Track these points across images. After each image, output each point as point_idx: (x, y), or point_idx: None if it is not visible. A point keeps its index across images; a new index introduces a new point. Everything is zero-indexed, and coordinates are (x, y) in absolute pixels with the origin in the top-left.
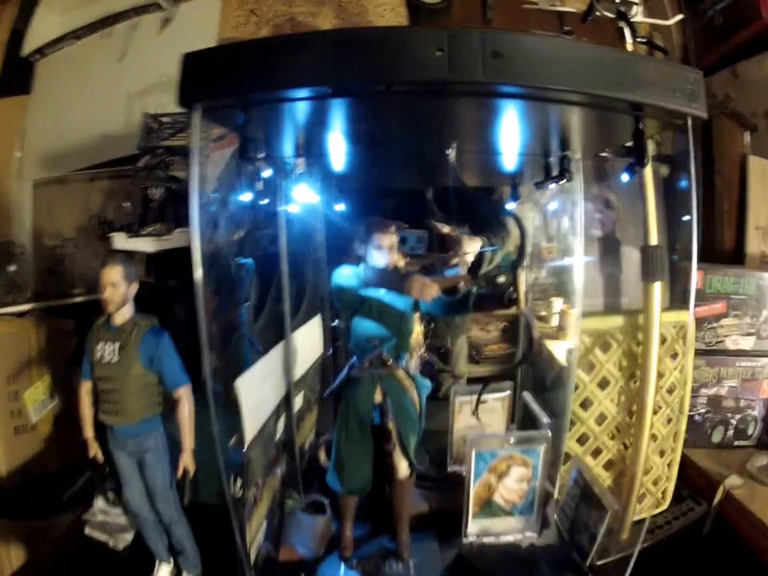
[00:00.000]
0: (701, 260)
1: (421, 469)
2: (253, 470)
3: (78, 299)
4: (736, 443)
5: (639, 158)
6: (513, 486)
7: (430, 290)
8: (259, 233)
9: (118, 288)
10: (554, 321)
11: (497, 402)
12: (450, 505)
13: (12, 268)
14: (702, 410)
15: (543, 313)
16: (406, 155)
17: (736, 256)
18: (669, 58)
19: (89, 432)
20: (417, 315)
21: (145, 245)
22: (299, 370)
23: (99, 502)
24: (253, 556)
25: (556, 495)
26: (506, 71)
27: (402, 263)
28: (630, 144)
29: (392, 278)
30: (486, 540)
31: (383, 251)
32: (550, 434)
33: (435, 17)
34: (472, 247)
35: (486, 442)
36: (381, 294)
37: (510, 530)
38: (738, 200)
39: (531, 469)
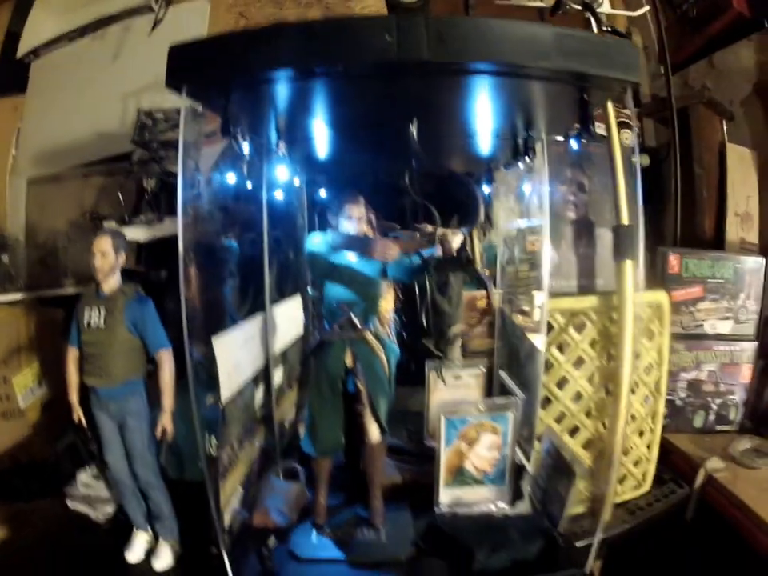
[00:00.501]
0: (682, 245)
1: (397, 442)
2: (229, 431)
3: (69, 290)
4: (718, 428)
5: (585, 127)
6: (483, 453)
7: (391, 251)
8: (243, 216)
9: (107, 257)
10: (537, 315)
11: (471, 378)
12: (424, 477)
13: (5, 258)
14: (683, 395)
15: (526, 307)
16: (374, 137)
17: (716, 242)
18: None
19: (73, 396)
20: (384, 281)
21: (136, 233)
22: (278, 345)
23: (82, 476)
24: (227, 521)
25: (530, 470)
26: (448, 50)
27: (370, 233)
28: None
29: (357, 241)
30: (459, 510)
31: (353, 221)
32: (519, 401)
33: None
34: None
35: (456, 408)
36: (351, 261)
37: (482, 500)
38: (717, 187)
39: (501, 436)
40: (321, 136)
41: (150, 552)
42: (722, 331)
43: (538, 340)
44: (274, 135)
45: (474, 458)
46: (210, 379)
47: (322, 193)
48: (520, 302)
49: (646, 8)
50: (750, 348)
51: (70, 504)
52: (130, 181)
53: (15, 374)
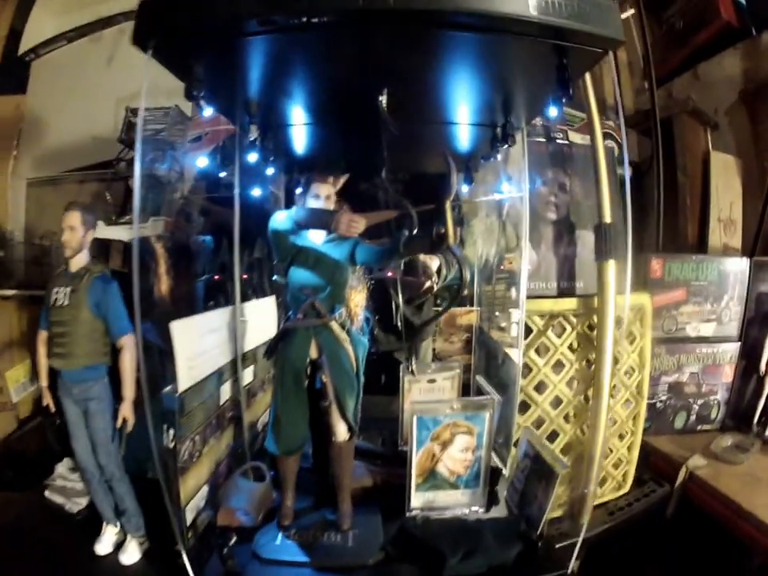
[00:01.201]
0: (664, 251)
1: (369, 445)
2: (188, 424)
3: None
4: (699, 428)
5: (565, 91)
6: (457, 455)
7: (356, 225)
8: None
9: (75, 232)
10: (514, 331)
11: (446, 380)
12: (396, 479)
13: (0, 254)
14: (664, 397)
15: (503, 324)
16: (344, 111)
17: (699, 248)
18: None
19: (43, 381)
20: (352, 266)
21: (120, 233)
22: (249, 343)
23: (60, 468)
24: (190, 518)
25: (507, 475)
26: None
27: None
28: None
29: (320, 215)
30: (432, 514)
31: (320, 200)
32: (496, 400)
33: None
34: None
35: (429, 407)
36: (316, 242)
37: (455, 504)
38: (700, 194)
39: (476, 437)
40: (288, 108)
41: (120, 545)
42: (705, 334)
43: (517, 356)
44: (240, 101)
45: (448, 459)
46: (172, 368)
47: (293, 173)
48: (498, 319)
49: (630, 11)
50: (732, 348)
51: (48, 495)
52: (119, 181)
53: (8, 369)
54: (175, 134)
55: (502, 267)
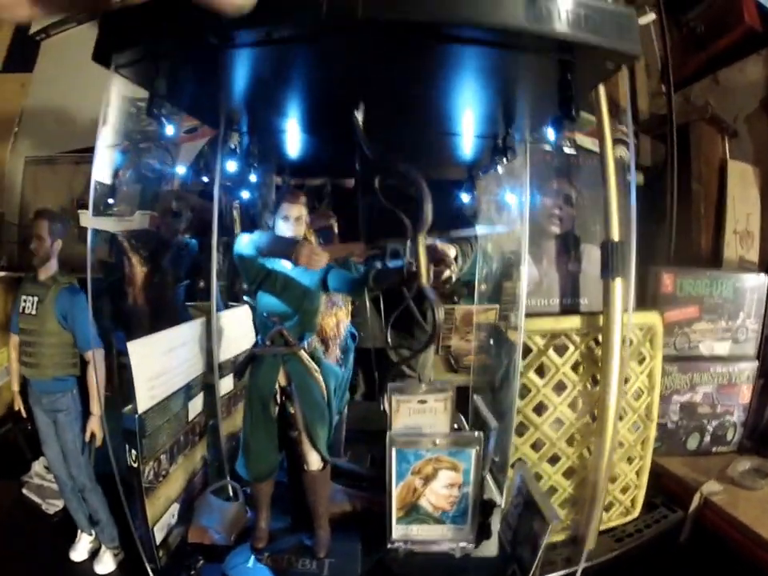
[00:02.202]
0: (676, 264)
1: (351, 466)
2: (151, 444)
3: None
4: (714, 449)
5: (567, 110)
6: (441, 491)
7: (318, 258)
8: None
9: (42, 242)
10: None
11: (439, 402)
12: (377, 508)
13: None
14: (675, 418)
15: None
16: (319, 125)
17: (713, 260)
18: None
19: (15, 385)
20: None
21: (107, 224)
22: (228, 351)
23: (37, 466)
24: (160, 536)
25: (502, 504)
26: (386, 7)
27: (311, 238)
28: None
29: (281, 245)
30: (415, 547)
31: (289, 222)
32: (484, 435)
33: None
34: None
35: (409, 440)
36: (285, 267)
37: (440, 539)
38: (715, 204)
39: (462, 474)
40: (266, 116)
41: (95, 554)
42: (720, 352)
43: (515, 363)
44: (214, 111)
45: (431, 495)
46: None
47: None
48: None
49: (651, 16)
50: (749, 368)
51: (25, 492)
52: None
53: None
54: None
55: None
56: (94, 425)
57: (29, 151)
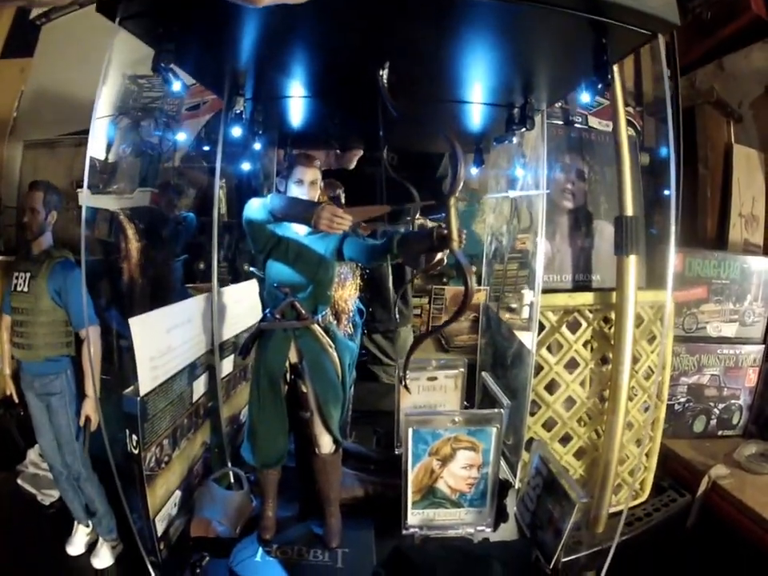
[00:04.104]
0: (683, 245)
1: (362, 449)
2: (154, 428)
3: None
4: (720, 433)
5: (602, 74)
6: (459, 472)
7: (341, 221)
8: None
9: (36, 215)
10: (525, 313)
11: (449, 379)
12: (391, 491)
13: None
14: (682, 399)
15: (514, 305)
16: (341, 88)
17: (718, 243)
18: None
19: (6, 368)
20: (340, 262)
21: (107, 202)
22: (230, 330)
23: (32, 454)
24: (161, 528)
25: (517, 485)
26: None
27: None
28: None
29: (299, 207)
30: (431, 533)
31: (303, 186)
32: (503, 413)
33: None
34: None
35: (427, 420)
36: (298, 233)
37: (458, 523)
38: (721, 188)
39: (481, 453)
40: (277, 79)
41: (92, 547)
42: (727, 334)
43: (528, 339)
44: (221, 72)
45: (449, 476)
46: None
47: (284, 148)
48: (508, 299)
49: None
50: (756, 351)
51: (20, 482)
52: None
53: None
54: (173, 102)
55: (514, 246)
56: (89, 407)
57: (27, 135)
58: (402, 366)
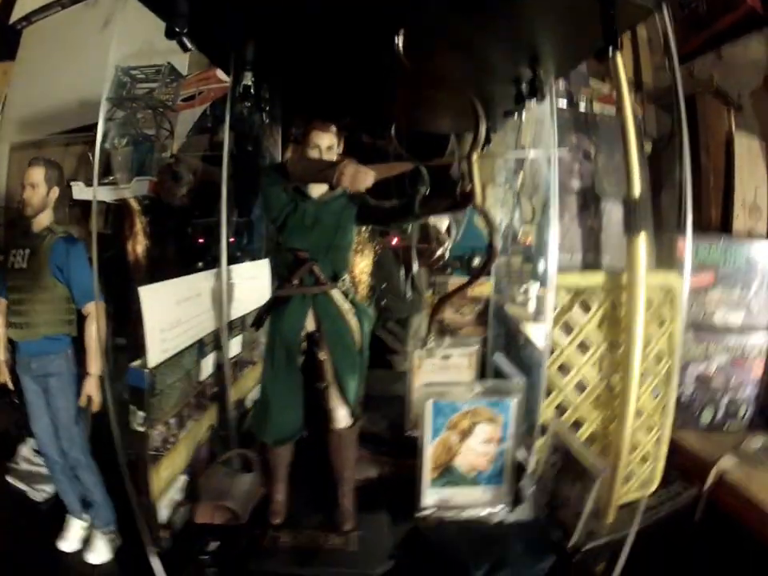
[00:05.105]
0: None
1: (374, 431)
2: (161, 404)
3: None
4: (726, 426)
5: (611, 37)
6: (478, 447)
7: (364, 177)
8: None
9: (37, 190)
10: (531, 305)
11: (463, 357)
12: (404, 472)
13: None
14: (690, 390)
15: (520, 298)
16: (355, 56)
17: (722, 232)
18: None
19: (1, 354)
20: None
21: (103, 193)
22: (238, 309)
23: (24, 450)
24: (164, 514)
25: (532, 467)
26: None
27: None
28: None
29: (319, 165)
30: (447, 514)
31: (319, 152)
32: (523, 384)
33: None
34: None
35: (446, 391)
36: (315, 196)
37: (474, 503)
38: (723, 177)
39: (501, 427)
40: (287, 46)
41: (87, 543)
42: (734, 322)
43: (535, 330)
44: (231, 41)
45: (467, 452)
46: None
47: (289, 125)
48: (513, 292)
49: None
50: (762, 341)
51: (10, 480)
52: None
53: None
54: (167, 92)
55: (517, 239)
56: (91, 386)
57: (14, 137)
58: (426, 329)
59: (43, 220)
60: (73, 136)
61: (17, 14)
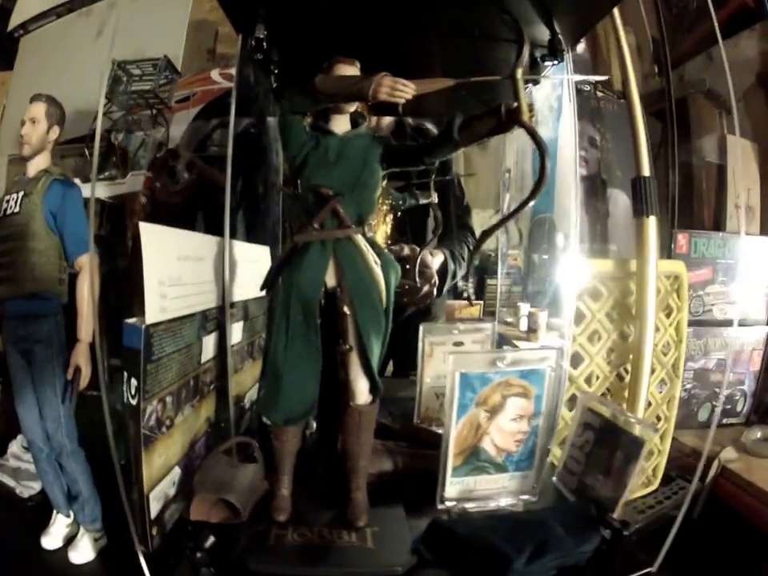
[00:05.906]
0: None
1: (382, 421)
2: (158, 375)
3: None
4: (724, 421)
5: None
6: (508, 426)
7: (404, 89)
8: None
9: (37, 126)
10: (523, 325)
11: (477, 344)
12: (419, 463)
13: None
14: (689, 386)
15: (510, 319)
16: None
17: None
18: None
19: None
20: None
21: (99, 190)
22: (239, 292)
23: (14, 446)
24: (154, 509)
25: (553, 449)
26: None
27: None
28: None
29: (352, 79)
30: (470, 506)
31: None
32: (560, 349)
33: None
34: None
35: (474, 360)
36: (338, 130)
37: (500, 492)
38: (716, 178)
39: (533, 400)
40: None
41: (71, 541)
42: (732, 316)
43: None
44: None
45: (495, 432)
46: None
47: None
48: (503, 314)
49: None
50: (760, 335)
51: None
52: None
53: None
54: (163, 89)
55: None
56: (80, 354)
57: (12, 149)
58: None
59: (40, 163)
60: (69, 147)
61: (14, 22)
